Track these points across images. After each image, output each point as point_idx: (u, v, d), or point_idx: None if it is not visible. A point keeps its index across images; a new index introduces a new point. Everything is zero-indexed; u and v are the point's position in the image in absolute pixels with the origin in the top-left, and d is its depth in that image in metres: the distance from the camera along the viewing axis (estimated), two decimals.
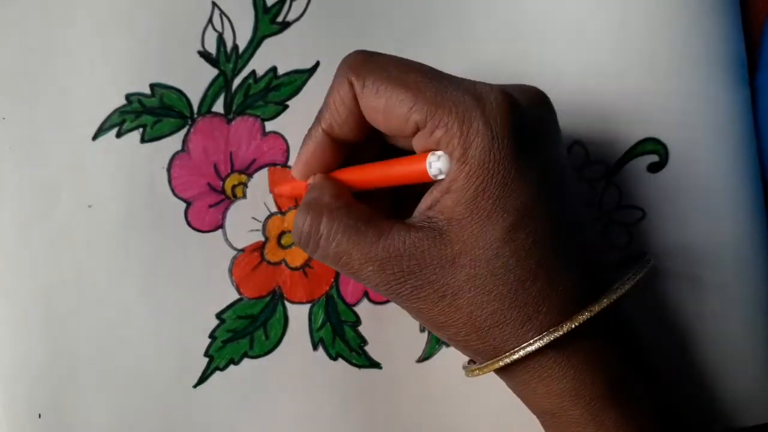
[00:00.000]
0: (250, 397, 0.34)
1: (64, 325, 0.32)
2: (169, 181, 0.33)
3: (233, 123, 0.34)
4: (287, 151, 0.34)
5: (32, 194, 0.32)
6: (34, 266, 0.32)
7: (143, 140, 0.33)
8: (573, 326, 0.26)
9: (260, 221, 0.34)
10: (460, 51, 0.35)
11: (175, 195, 0.33)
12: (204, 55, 0.33)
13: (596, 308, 0.26)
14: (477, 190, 0.26)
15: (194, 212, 0.33)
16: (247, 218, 0.34)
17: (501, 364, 0.27)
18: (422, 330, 0.35)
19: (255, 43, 0.34)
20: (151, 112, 0.33)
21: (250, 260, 0.34)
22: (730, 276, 0.35)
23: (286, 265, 0.34)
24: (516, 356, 0.26)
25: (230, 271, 0.34)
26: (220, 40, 0.33)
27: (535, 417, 0.29)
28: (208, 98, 0.33)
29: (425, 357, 0.35)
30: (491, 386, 0.33)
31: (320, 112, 0.30)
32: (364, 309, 0.35)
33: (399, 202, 0.32)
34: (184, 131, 0.33)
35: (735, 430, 0.36)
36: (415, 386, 0.35)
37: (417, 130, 0.27)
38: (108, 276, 0.33)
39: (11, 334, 0.32)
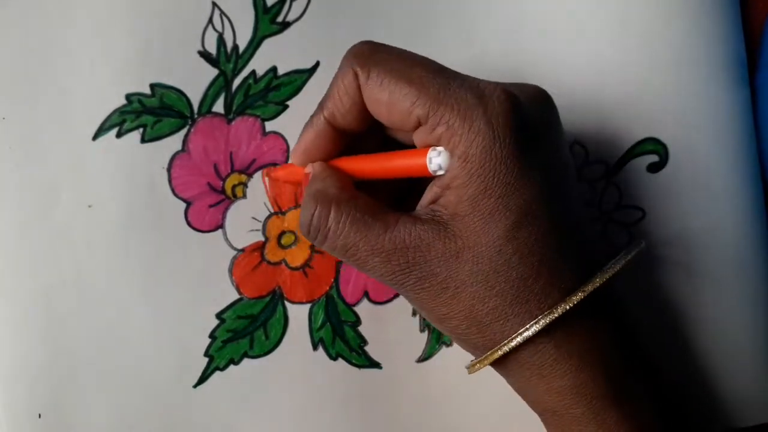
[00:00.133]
0: (250, 397, 0.34)
1: (64, 325, 0.32)
2: (169, 181, 0.33)
3: (233, 123, 0.34)
4: (287, 151, 0.34)
5: (32, 194, 0.32)
6: (34, 266, 0.32)
7: (143, 140, 0.33)
8: (567, 307, 0.26)
9: (260, 221, 0.34)
10: (461, 51, 0.35)
11: (175, 195, 0.33)
12: (204, 55, 0.33)
13: (589, 287, 0.26)
14: (479, 188, 0.26)
15: (194, 212, 0.33)
16: (247, 218, 0.34)
17: (500, 353, 0.27)
18: (422, 330, 0.35)
19: (255, 43, 0.34)
20: (151, 112, 0.33)
21: (250, 260, 0.34)
22: (731, 276, 0.35)
23: (286, 265, 0.34)
24: (513, 343, 0.26)
25: (230, 271, 0.34)
26: (220, 40, 0.33)
27: (534, 417, 0.29)
28: (208, 98, 0.33)
29: (425, 357, 0.35)
30: (491, 386, 0.33)
31: (323, 100, 0.30)
32: (364, 309, 0.35)
33: (399, 194, 0.32)
34: (184, 131, 0.33)
35: (735, 430, 0.36)
36: (415, 386, 0.35)
37: (419, 124, 0.27)
38: (108, 276, 0.33)
39: (11, 334, 0.32)
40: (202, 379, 0.33)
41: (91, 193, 0.33)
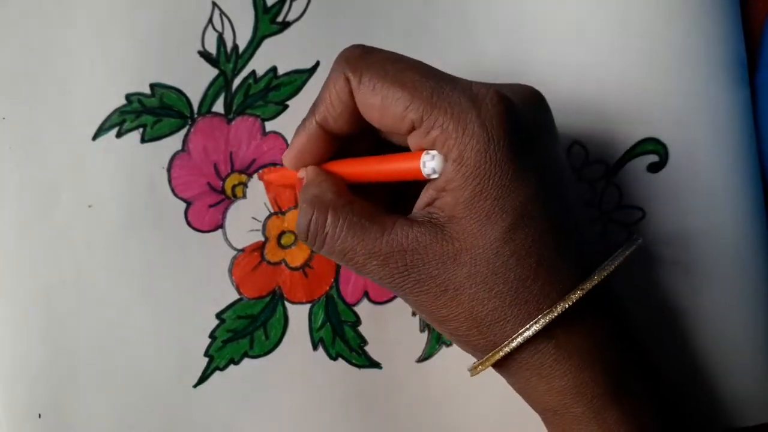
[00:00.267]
0: (250, 397, 0.34)
1: (64, 325, 0.32)
2: (169, 181, 0.33)
3: (233, 123, 0.34)
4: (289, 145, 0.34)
5: (32, 194, 0.32)
6: (34, 266, 0.32)
7: (143, 140, 0.33)
8: (566, 306, 0.26)
9: (260, 221, 0.34)
10: (461, 51, 0.35)
11: (175, 195, 0.33)
12: (204, 55, 0.33)
13: (588, 285, 0.26)
14: (474, 191, 0.26)
15: (194, 212, 0.33)
16: (247, 218, 0.34)
17: (501, 354, 0.27)
18: (422, 330, 0.35)
19: (255, 43, 0.34)
20: (151, 112, 0.33)
21: (250, 260, 0.34)
22: (730, 276, 0.35)
23: (286, 265, 0.34)
24: (514, 344, 0.26)
25: (230, 271, 0.34)
26: (220, 40, 0.33)
27: (534, 417, 0.29)
28: (208, 98, 0.33)
29: (425, 357, 0.35)
30: (491, 386, 0.33)
31: (315, 104, 0.30)
32: (364, 309, 0.35)
33: (394, 197, 0.32)
34: (184, 131, 0.33)
35: (735, 430, 0.36)
36: (415, 386, 0.35)
37: (412, 128, 0.27)
38: (108, 276, 0.33)
39: (11, 334, 0.32)
40: (202, 379, 0.33)
41: (91, 193, 0.33)
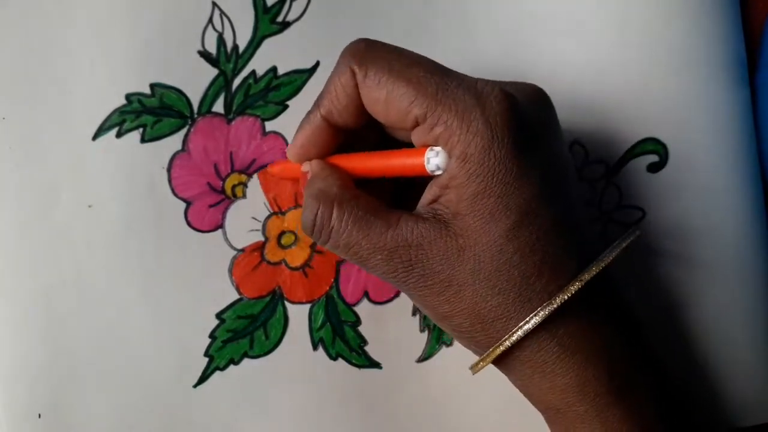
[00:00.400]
0: (250, 397, 0.34)
1: (64, 325, 0.32)
2: (169, 181, 0.33)
3: (233, 123, 0.34)
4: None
5: (32, 194, 0.32)
6: (34, 266, 0.32)
7: (143, 140, 0.33)
8: (566, 297, 0.26)
9: (260, 221, 0.34)
10: (461, 51, 0.35)
11: (175, 195, 0.33)
12: (204, 55, 0.33)
13: (586, 276, 0.26)
14: (478, 189, 0.26)
15: (194, 212, 0.33)
16: (247, 218, 0.34)
17: (502, 348, 0.27)
18: (422, 330, 0.35)
19: (255, 43, 0.34)
20: (151, 112, 0.33)
21: (250, 260, 0.34)
22: (731, 276, 0.35)
23: (286, 265, 0.34)
24: (515, 337, 0.26)
25: (230, 271, 0.34)
26: (220, 40, 0.33)
27: (534, 417, 0.29)
28: (208, 98, 0.33)
29: (425, 357, 0.35)
30: (491, 386, 0.33)
31: (320, 96, 0.30)
32: (364, 309, 0.35)
33: (400, 192, 0.32)
34: (184, 131, 0.33)
35: (736, 430, 0.36)
36: (415, 386, 0.35)
37: (416, 124, 0.27)
38: (108, 276, 0.33)
39: (11, 334, 0.32)
40: (202, 379, 0.33)
41: (91, 193, 0.33)
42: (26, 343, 0.32)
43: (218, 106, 0.33)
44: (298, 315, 0.34)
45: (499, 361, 0.28)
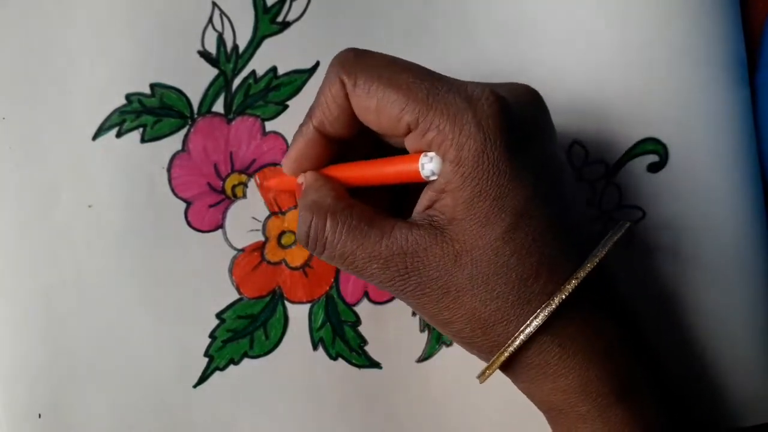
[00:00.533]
0: (250, 397, 0.34)
1: (64, 325, 0.32)
2: (169, 181, 0.33)
3: (233, 123, 0.34)
4: (287, 151, 0.34)
5: (32, 194, 0.32)
6: (34, 266, 0.32)
7: (143, 140, 0.33)
8: (563, 297, 0.26)
9: (260, 221, 0.34)
10: (460, 51, 0.35)
11: (175, 195, 0.33)
12: (204, 55, 0.33)
13: (581, 274, 0.26)
14: (474, 192, 0.26)
15: (194, 212, 0.33)
16: (247, 218, 0.34)
17: (506, 355, 0.27)
18: (422, 330, 0.35)
19: (255, 43, 0.34)
20: (151, 112, 0.33)
21: (250, 260, 0.34)
22: (731, 276, 0.35)
23: (286, 265, 0.34)
24: (517, 342, 0.26)
25: (230, 271, 0.34)
26: (220, 40, 0.33)
27: (534, 417, 0.29)
28: (208, 98, 0.33)
29: (425, 357, 0.35)
30: (491, 386, 0.33)
31: (311, 108, 0.30)
32: (364, 309, 0.35)
33: (398, 199, 0.32)
34: (184, 131, 0.33)
35: (736, 430, 0.36)
36: (415, 386, 0.35)
37: (409, 130, 0.27)
38: (108, 276, 0.33)
39: (11, 334, 0.32)
40: (202, 379, 0.33)
41: (91, 193, 0.33)
42: (26, 343, 0.32)
43: (218, 106, 0.33)
44: (298, 315, 0.34)
45: (502, 366, 0.28)
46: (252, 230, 0.34)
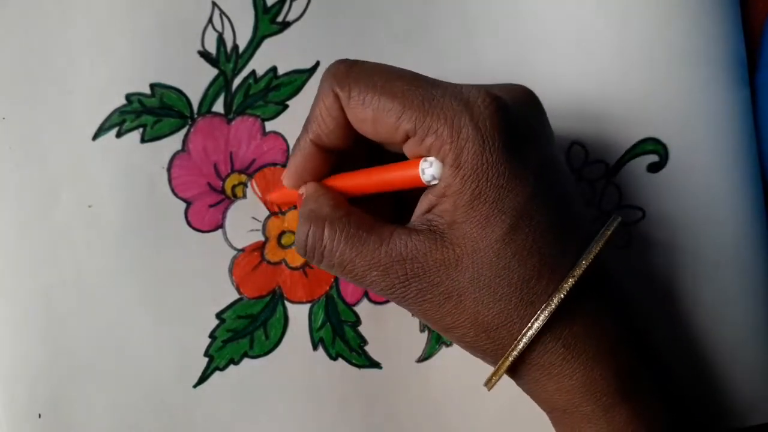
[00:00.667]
0: (251, 397, 0.34)
1: (64, 325, 0.32)
2: (169, 181, 0.33)
3: (233, 123, 0.34)
4: (287, 151, 0.34)
5: (32, 194, 0.32)
6: (34, 266, 0.32)
7: (143, 140, 0.33)
8: (561, 296, 0.26)
9: (260, 221, 0.34)
10: (460, 51, 0.35)
11: (175, 195, 0.33)
12: (204, 55, 0.33)
13: (577, 272, 0.26)
14: (473, 194, 0.26)
15: (194, 212, 0.33)
16: (247, 218, 0.34)
17: (510, 359, 0.27)
18: (422, 330, 0.35)
19: (255, 43, 0.34)
20: (151, 112, 0.33)
21: (250, 260, 0.34)
22: (731, 276, 0.35)
23: (286, 264, 0.34)
24: (521, 345, 0.26)
25: (230, 271, 0.34)
26: (220, 40, 0.33)
27: (535, 416, 0.29)
28: (208, 98, 0.33)
29: (425, 357, 0.35)
30: None
31: (307, 122, 0.30)
32: (364, 309, 0.35)
33: (401, 206, 0.32)
34: (184, 131, 0.33)
35: (737, 430, 0.36)
36: (415, 386, 0.35)
37: (407, 137, 0.27)
38: (108, 276, 0.33)
39: (11, 334, 0.32)
40: (202, 379, 0.33)
41: (91, 193, 0.33)
42: (26, 343, 0.32)
43: (218, 106, 0.33)
44: (298, 315, 0.34)
45: (507, 369, 0.28)
46: (252, 230, 0.34)
